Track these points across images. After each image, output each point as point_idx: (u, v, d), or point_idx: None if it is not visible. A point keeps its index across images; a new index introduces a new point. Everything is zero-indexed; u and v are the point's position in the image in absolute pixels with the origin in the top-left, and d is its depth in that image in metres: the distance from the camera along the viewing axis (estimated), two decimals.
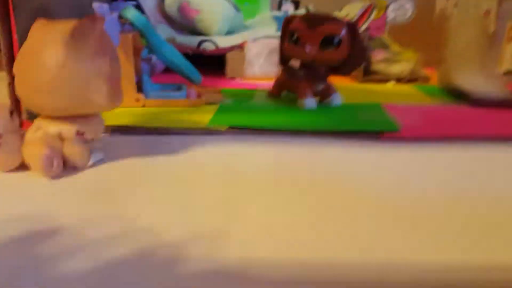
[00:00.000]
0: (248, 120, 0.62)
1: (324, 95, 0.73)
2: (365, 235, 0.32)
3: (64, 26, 0.41)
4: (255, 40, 1.01)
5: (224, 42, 1.00)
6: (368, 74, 1.00)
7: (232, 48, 1.01)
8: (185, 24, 1.05)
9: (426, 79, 1.01)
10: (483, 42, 0.88)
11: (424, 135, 0.56)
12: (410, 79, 1.00)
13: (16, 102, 0.60)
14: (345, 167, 0.47)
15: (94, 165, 0.46)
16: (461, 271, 0.27)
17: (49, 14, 0.56)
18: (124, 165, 0.47)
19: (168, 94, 0.71)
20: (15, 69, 0.42)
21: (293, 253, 0.30)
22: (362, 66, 0.98)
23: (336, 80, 0.91)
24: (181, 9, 1.03)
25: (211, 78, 1.01)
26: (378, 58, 0.99)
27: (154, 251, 0.30)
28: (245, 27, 1.16)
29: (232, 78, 1.03)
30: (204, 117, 0.63)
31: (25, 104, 0.45)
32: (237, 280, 0.27)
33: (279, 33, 0.74)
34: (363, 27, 1.02)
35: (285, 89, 0.79)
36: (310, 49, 0.66)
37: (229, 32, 1.08)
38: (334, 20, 0.66)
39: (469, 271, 0.27)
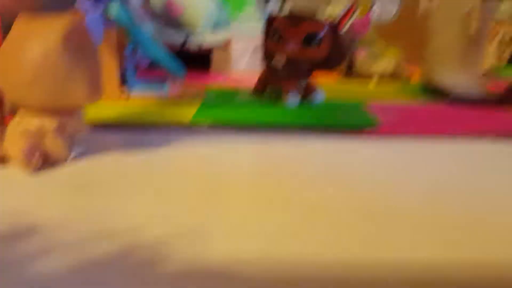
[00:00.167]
0: (230, 116, 0.63)
1: (307, 92, 0.74)
2: (347, 231, 0.33)
3: (47, 21, 0.41)
4: (240, 37, 1.02)
5: (208, 38, 1.01)
6: (352, 72, 1.02)
7: (217, 44, 1.01)
8: (170, 20, 1.05)
9: (408, 77, 1.02)
10: (464, 41, 0.90)
11: (402, 132, 0.57)
12: (393, 76, 1.01)
13: None
14: (326, 163, 0.48)
15: (75, 159, 0.47)
16: (442, 267, 0.28)
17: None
18: (105, 160, 0.47)
19: (151, 89, 0.72)
20: None
21: (276, 251, 0.30)
22: (345, 63, 0.99)
23: (319, 77, 0.92)
24: (166, 6, 1.03)
25: (197, 74, 1.02)
26: (361, 56, 1.01)
27: (135, 249, 0.30)
28: (230, 24, 1.16)
29: (218, 74, 1.03)
30: (187, 113, 0.64)
31: (7, 97, 0.45)
32: (220, 279, 0.27)
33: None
34: (347, 25, 1.03)
35: (269, 86, 0.80)
36: (292, 47, 0.67)
37: (215, 29, 1.08)
38: (316, 18, 0.67)
39: (450, 266, 0.28)
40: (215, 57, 1.02)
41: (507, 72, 0.78)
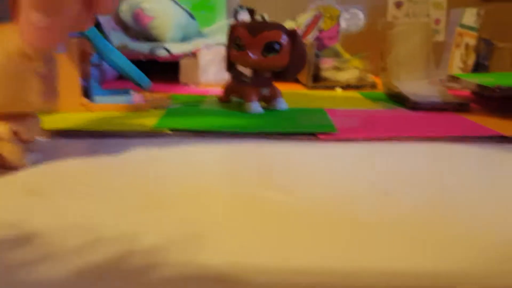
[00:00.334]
0: (193, 123, 0.63)
1: (270, 99, 0.76)
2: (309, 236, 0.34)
3: (5, 28, 0.42)
4: (208, 47, 1.03)
5: (177, 48, 1.02)
6: (318, 81, 1.04)
7: (185, 54, 1.03)
8: (139, 30, 1.06)
9: (373, 86, 1.05)
10: (427, 49, 0.93)
11: (359, 136, 0.59)
12: (357, 85, 1.04)
13: None
14: (286, 166, 0.49)
15: (31, 166, 0.47)
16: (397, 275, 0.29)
17: None
18: (63, 167, 0.48)
19: (114, 99, 0.72)
20: None
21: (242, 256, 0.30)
22: (310, 73, 1.02)
23: (285, 87, 0.93)
24: (135, 16, 1.04)
25: (165, 85, 1.03)
26: (327, 66, 1.03)
27: (84, 249, 0.31)
28: (200, 35, 1.18)
29: (186, 84, 1.04)
30: (150, 121, 0.65)
31: None
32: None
33: None
34: (311, 36, 1.06)
35: (234, 94, 0.81)
36: (253, 55, 0.68)
37: (184, 39, 1.09)
38: (275, 27, 0.69)
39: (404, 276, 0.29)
40: (183, 67, 1.04)
41: (470, 79, 0.81)
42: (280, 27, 0.70)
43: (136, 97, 0.73)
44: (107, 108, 0.71)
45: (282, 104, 0.76)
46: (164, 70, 1.08)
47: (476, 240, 0.31)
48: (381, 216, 0.36)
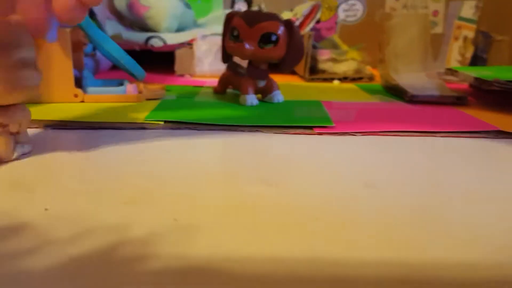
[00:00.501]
0: (187, 115, 0.62)
1: (266, 92, 0.75)
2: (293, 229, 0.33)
3: None
4: (204, 37, 1.02)
5: (172, 38, 1.01)
6: (315, 73, 1.03)
7: (181, 45, 1.01)
8: (134, 20, 1.05)
9: (371, 78, 1.04)
10: (425, 41, 0.92)
11: (355, 130, 0.58)
12: (355, 77, 1.03)
13: None
14: (280, 159, 0.48)
15: (19, 158, 0.46)
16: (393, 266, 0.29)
17: None
18: (52, 159, 0.47)
19: (108, 90, 0.71)
20: None
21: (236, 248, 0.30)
22: (308, 65, 1.00)
23: (282, 79, 0.92)
24: (130, 5, 1.03)
25: (160, 75, 1.02)
26: (324, 58, 1.02)
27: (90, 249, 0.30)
28: (196, 25, 1.16)
29: (181, 75, 1.03)
30: (144, 112, 0.64)
31: None
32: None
33: None
34: (309, 27, 1.04)
35: (229, 86, 0.80)
36: (249, 47, 0.67)
37: (180, 29, 1.08)
38: (272, 18, 0.68)
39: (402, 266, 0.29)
40: (179, 58, 1.02)
41: (468, 72, 0.80)
42: (277, 18, 0.68)
43: (130, 87, 0.72)
44: (100, 99, 0.70)
45: (279, 96, 0.75)
46: (159, 61, 1.06)
47: (471, 232, 0.31)
48: (373, 209, 0.35)
